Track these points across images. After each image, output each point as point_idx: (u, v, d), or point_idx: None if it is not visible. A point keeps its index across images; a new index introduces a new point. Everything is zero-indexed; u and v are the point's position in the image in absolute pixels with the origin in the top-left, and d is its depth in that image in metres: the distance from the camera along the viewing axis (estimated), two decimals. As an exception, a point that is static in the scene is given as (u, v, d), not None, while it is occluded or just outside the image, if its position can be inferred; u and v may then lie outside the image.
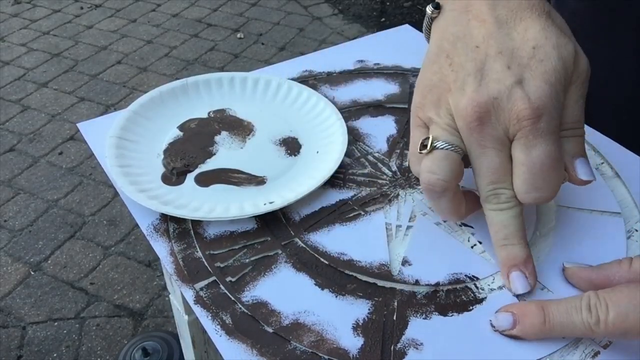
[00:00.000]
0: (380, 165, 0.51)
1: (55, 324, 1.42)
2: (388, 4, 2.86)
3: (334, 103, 0.58)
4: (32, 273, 1.54)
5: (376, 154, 0.52)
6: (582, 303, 0.35)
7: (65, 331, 1.40)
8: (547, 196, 0.38)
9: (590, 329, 0.35)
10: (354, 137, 0.54)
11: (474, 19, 0.39)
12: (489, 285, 0.41)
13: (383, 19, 2.74)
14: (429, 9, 0.42)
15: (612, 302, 0.35)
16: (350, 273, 0.42)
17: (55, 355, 1.35)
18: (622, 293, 0.35)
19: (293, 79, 0.60)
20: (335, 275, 0.42)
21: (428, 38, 0.44)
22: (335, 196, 0.48)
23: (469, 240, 0.44)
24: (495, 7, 0.39)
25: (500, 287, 0.41)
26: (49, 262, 1.57)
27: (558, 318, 0.36)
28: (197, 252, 0.44)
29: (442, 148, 0.39)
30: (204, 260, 0.43)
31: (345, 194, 0.49)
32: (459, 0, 0.41)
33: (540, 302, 0.37)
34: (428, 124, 0.41)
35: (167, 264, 0.43)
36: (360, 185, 0.49)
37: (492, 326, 0.38)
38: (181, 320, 0.59)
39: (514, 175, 0.38)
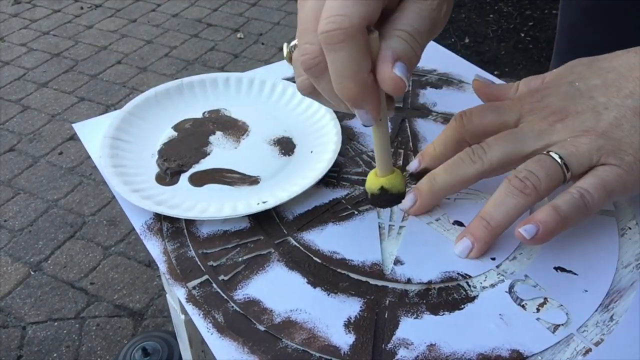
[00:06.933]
0: (374, 164, 0.52)
1: (55, 324, 1.42)
2: (388, 3, 2.86)
3: (329, 102, 0.58)
4: (32, 273, 1.54)
5: (370, 153, 0.53)
6: (464, 155, 0.43)
7: (65, 331, 1.40)
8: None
9: (479, 172, 0.42)
10: (348, 136, 0.55)
11: None
12: (481, 283, 0.41)
13: (383, 18, 2.74)
14: None
15: (493, 144, 0.42)
16: (343, 272, 0.42)
17: (55, 355, 1.35)
18: (501, 137, 0.42)
19: (288, 79, 0.61)
20: (328, 273, 0.42)
21: None
22: (329, 195, 0.48)
23: (461, 239, 0.44)
24: None
25: (492, 285, 0.41)
26: (49, 262, 1.57)
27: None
28: (190, 251, 0.44)
29: None
30: (197, 259, 0.43)
31: (339, 192, 0.49)
32: None
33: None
34: None
35: (160, 263, 0.43)
36: (354, 184, 0.49)
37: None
38: (178, 320, 0.59)
39: None
